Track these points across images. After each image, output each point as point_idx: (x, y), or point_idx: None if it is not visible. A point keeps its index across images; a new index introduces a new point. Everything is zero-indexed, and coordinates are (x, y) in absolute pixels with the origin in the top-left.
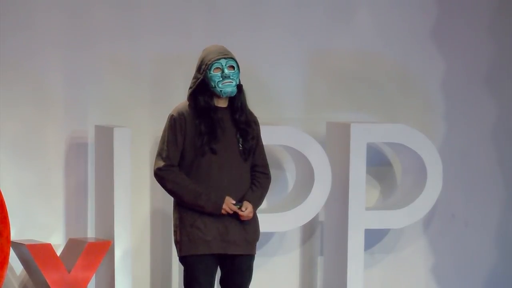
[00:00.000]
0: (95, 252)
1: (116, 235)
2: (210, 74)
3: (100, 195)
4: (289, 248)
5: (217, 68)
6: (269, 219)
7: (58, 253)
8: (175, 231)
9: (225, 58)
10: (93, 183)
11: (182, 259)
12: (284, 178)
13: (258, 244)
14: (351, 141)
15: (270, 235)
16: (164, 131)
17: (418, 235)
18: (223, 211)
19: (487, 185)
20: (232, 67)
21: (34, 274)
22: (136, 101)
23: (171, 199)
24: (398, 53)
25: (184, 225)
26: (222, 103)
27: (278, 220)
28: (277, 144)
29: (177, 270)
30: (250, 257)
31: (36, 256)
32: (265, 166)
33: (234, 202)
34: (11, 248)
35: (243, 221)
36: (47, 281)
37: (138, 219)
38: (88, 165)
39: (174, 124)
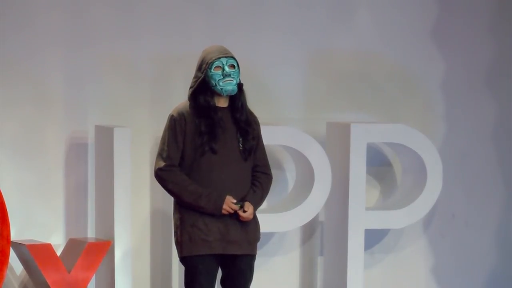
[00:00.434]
0: (95, 252)
1: (116, 235)
2: (211, 73)
3: (100, 195)
4: (289, 248)
5: (217, 66)
6: (269, 219)
7: (58, 253)
8: (175, 232)
9: (225, 57)
10: (93, 183)
11: (183, 260)
12: (284, 178)
13: (258, 244)
14: (351, 141)
15: (270, 235)
16: (164, 131)
17: (418, 235)
18: (223, 211)
19: (487, 185)
20: (233, 66)
21: (34, 274)
22: (136, 101)
23: (171, 199)
24: (398, 53)
25: (185, 225)
26: (223, 103)
27: (278, 220)
28: (277, 144)
29: (177, 270)
30: (251, 257)
31: (36, 256)
32: (266, 166)
33: (234, 201)
34: (11, 248)
35: (244, 221)
36: (47, 281)
37: (138, 219)
38: (88, 165)
39: (174, 124)
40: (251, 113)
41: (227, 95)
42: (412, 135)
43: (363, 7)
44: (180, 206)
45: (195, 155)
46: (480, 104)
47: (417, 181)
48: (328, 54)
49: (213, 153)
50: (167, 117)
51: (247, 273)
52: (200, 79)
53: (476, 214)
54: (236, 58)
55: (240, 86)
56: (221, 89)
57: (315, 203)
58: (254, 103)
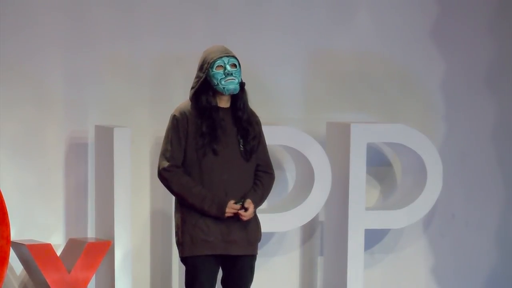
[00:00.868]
0: (95, 252)
1: (116, 235)
2: (213, 72)
3: (100, 195)
4: (289, 248)
5: (219, 66)
6: (269, 219)
7: (58, 253)
8: (177, 232)
9: (227, 56)
10: (93, 183)
11: (184, 260)
12: (284, 178)
13: (258, 244)
14: (351, 141)
15: (270, 235)
16: (167, 131)
17: (418, 235)
18: (227, 215)
19: (487, 185)
20: (234, 65)
21: (34, 274)
22: (136, 101)
23: (171, 199)
24: (398, 53)
25: (186, 225)
26: (224, 103)
27: (278, 220)
28: (277, 144)
29: (177, 270)
30: (252, 258)
31: (36, 256)
32: (268, 165)
33: (234, 201)
34: (11, 248)
35: (245, 221)
36: (47, 281)
37: (138, 219)
38: (88, 165)
39: (177, 124)
40: (253, 113)
41: (229, 95)
42: (412, 135)
43: (363, 7)
44: (182, 206)
45: (196, 155)
46: (480, 104)
47: (417, 181)
48: (328, 54)
49: (214, 154)
50: (169, 117)
51: (248, 274)
52: (201, 79)
53: (476, 214)
54: (238, 57)
55: (242, 85)
56: (223, 88)
57: (315, 203)
58: (254, 103)
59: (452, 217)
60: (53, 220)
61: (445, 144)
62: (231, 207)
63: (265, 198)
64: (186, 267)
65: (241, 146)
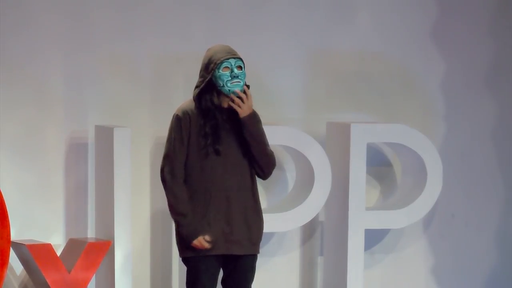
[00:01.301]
0: (95, 252)
1: (116, 235)
2: (219, 73)
3: (100, 195)
4: (289, 248)
5: (226, 67)
6: (269, 219)
7: (58, 253)
8: (177, 231)
9: (234, 58)
10: (93, 183)
11: (185, 260)
12: (284, 178)
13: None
14: (351, 141)
15: (270, 235)
16: (170, 131)
17: (418, 235)
18: (193, 244)
19: (487, 185)
20: (240, 67)
21: (34, 274)
22: (136, 101)
23: None
24: (398, 53)
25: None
26: (227, 103)
27: (278, 220)
28: (277, 144)
29: (177, 270)
30: (254, 257)
31: (36, 256)
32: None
33: (209, 240)
34: (11, 248)
35: (247, 221)
36: (47, 281)
37: (138, 219)
38: (88, 165)
39: (179, 123)
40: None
41: None
42: (412, 135)
43: (363, 7)
44: None
45: (198, 155)
46: (480, 104)
47: (417, 181)
48: (328, 54)
49: (216, 154)
50: (169, 117)
51: (249, 273)
52: (207, 79)
53: (476, 214)
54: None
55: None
56: (229, 90)
57: (315, 203)
58: (254, 103)
59: (452, 217)
60: (53, 220)
61: (445, 144)
62: (200, 241)
63: (263, 138)
64: (187, 267)
65: (243, 147)
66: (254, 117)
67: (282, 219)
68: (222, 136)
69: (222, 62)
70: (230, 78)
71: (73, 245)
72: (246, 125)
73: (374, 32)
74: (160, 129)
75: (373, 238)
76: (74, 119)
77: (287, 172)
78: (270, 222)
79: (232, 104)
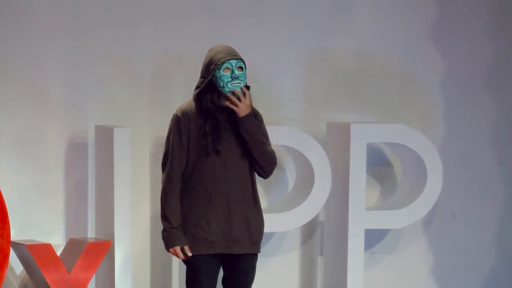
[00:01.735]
0: (95, 252)
1: (116, 235)
2: (219, 74)
3: (100, 195)
4: (289, 248)
5: (226, 68)
6: (269, 219)
7: (58, 253)
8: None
9: (235, 59)
10: (93, 183)
11: (185, 259)
12: (284, 178)
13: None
14: (351, 141)
15: (270, 235)
16: (169, 131)
17: (418, 235)
18: (171, 250)
19: (487, 185)
20: (241, 68)
21: (34, 274)
22: (136, 101)
23: None
24: (398, 53)
25: (187, 224)
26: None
27: (278, 220)
28: (277, 144)
29: (177, 270)
30: (254, 257)
31: (36, 256)
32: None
33: (189, 255)
34: (11, 248)
35: (247, 220)
36: (47, 281)
37: (138, 219)
38: (88, 165)
39: (179, 123)
40: (256, 113)
41: None
42: (412, 135)
43: (363, 7)
44: (183, 205)
45: (198, 155)
46: (480, 104)
47: (417, 181)
48: (328, 54)
49: (217, 154)
50: (169, 117)
51: (249, 273)
52: (207, 80)
53: (476, 214)
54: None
55: (246, 88)
56: (229, 91)
57: (315, 203)
58: (254, 103)
59: (452, 217)
60: (53, 220)
61: (445, 144)
62: (176, 251)
63: (263, 136)
64: (187, 267)
65: (243, 147)
66: (252, 116)
67: (282, 219)
68: (222, 136)
69: (222, 63)
70: (230, 79)
71: (73, 245)
72: (244, 124)
73: (374, 32)
74: (160, 129)
75: (373, 238)
76: (74, 119)
77: (287, 172)
78: (270, 222)
79: (228, 104)
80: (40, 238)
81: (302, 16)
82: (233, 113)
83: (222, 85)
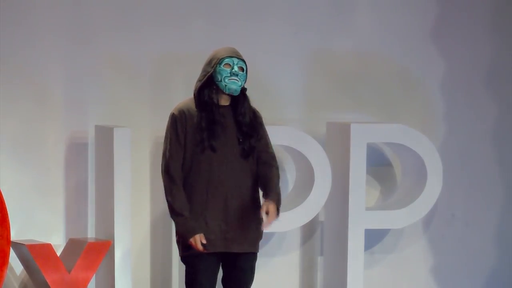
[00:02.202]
0: (95, 252)
1: (116, 235)
2: (219, 68)
3: (100, 195)
4: (289, 248)
5: (227, 64)
6: None
7: (58, 253)
8: (176, 230)
9: (237, 58)
10: (93, 183)
11: (184, 258)
12: (284, 178)
13: (259, 242)
14: (351, 141)
15: (270, 235)
16: (167, 130)
17: (418, 235)
18: (190, 241)
19: (487, 185)
20: (242, 68)
21: (34, 274)
22: (136, 101)
23: None
24: (398, 53)
25: None
26: (224, 101)
27: (278, 220)
28: (277, 144)
29: (177, 270)
30: (253, 256)
31: (36, 256)
32: (273, 157)
33: (204, 242)
34: (11, 248)
35: (245, 219)
36: (47, 281)
37: (138, 219)
38: (88, 165)
39: (175, 122)
40: (254, 112)
41: (229, 94)
42: (412, 135)
43: (363, 7)
44: None
45: (195, 150)
46: (480, 104)
47: (417, 181)
48: (328, 54)
49: (212, 151)
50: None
51: (248, 272)
52: (209, 74)
53: (476, 214)
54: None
55: (243, 90)
56: (225, 85)
57: (315, 203)
58: (254, 103)
59: (452, 217)
60: (53, 220)
61: (445, 144)
62: (196, 240)
63: (280, 192)
64: (186, 266)
65: (240, 145)
66: (279, 202)
67: (282, 219)
68: (218, 132)
69: (224, 58)
70: (229, 75)
71: (73, 245)
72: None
73: (374, 33)
74: (160, 129)
75: (373, 238)
76: (74, 119)
77: (287, 172)
78: None
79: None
80: (40, 238)
81: (302, 16)
82: (229, 110)
83: (220, 79)
